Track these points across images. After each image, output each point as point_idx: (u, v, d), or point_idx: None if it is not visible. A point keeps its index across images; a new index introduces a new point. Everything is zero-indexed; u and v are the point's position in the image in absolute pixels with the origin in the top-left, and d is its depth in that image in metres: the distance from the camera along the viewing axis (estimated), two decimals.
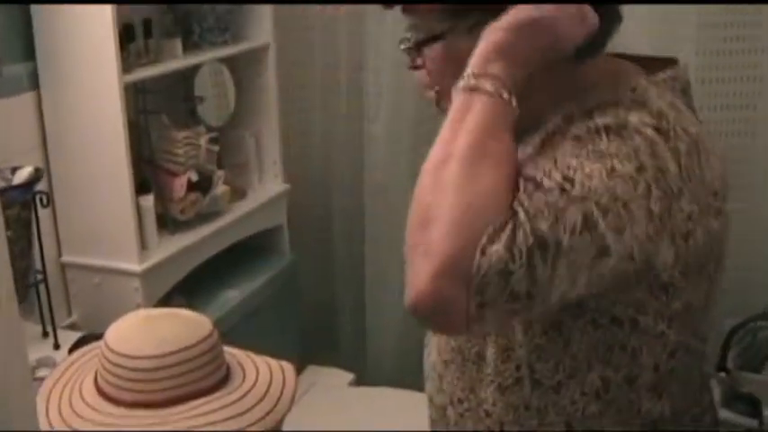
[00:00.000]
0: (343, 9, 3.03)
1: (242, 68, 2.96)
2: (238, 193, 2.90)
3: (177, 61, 2.63)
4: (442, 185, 0.99)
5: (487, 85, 1.03)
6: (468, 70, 1.05)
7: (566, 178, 1.00)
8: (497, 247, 0.94)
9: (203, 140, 2.66)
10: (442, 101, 1.16)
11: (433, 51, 1.15)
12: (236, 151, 2.99)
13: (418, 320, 1.00)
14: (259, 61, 2.95)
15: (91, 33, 2.29)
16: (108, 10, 2.23)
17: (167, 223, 2.61)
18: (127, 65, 2.37)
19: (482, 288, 0.94)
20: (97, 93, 2.32)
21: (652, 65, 1.19)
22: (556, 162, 1.03)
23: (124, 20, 2.41)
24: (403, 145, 2.95)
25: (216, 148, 2.72)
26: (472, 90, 1.03)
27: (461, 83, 1.05)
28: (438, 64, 1.16)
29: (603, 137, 1.04)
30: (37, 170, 2.23)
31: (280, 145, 3.05)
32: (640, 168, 1.02)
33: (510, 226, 0.96)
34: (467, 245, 0.95)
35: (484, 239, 0.94)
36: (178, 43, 2.66)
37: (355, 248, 3.20)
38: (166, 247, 2.54)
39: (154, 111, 2.58)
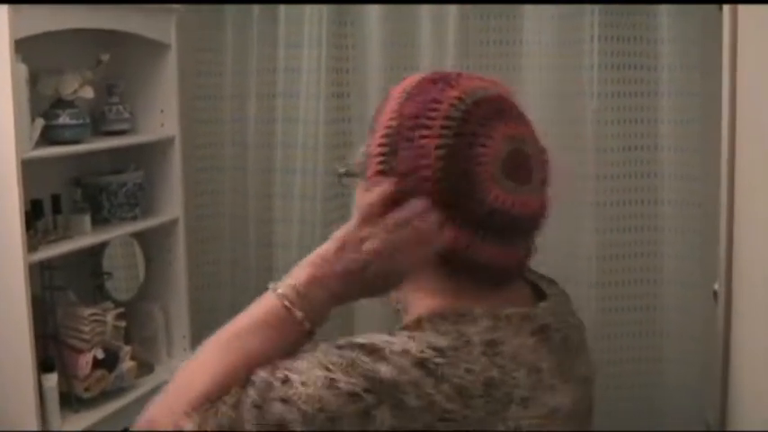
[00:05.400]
0: (253, 189, 3.10)
1: (152, 242, 2.98)
2: (146, 368, 2.84)
3: (85, 238, 2.64)
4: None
5: (279, 290, 1.05)
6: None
7: (286, 378, 0.96)
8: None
9: (110, 317, 2.63)
10: None
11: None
12: (145, 325, 2.97)
13: None
14: (169, 235, 2.97)
15: None
16: (15, 190, 2.24)
17: (71, 402, 2.54)
18: (34, 242, 2.36)
19: None
20: (1, 271, 2.30)
21: (536, 291, 1.14)
22: (296, 359, 0.99)
23: (33, 196, 2.42)
24: None
25: (123, 323, 2.70)
26: (272, 290, 1.06)
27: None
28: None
29: (348, 351, 0.98)
30: None
31: (188, 319, 3.04)
32: (370, 390, 0.94)
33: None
34: (164, 410, 1.02)
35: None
36: (87, 219, 2.67)
37: None
38: (69, 426, 2.46)
39: (60, 287, 2.55)
